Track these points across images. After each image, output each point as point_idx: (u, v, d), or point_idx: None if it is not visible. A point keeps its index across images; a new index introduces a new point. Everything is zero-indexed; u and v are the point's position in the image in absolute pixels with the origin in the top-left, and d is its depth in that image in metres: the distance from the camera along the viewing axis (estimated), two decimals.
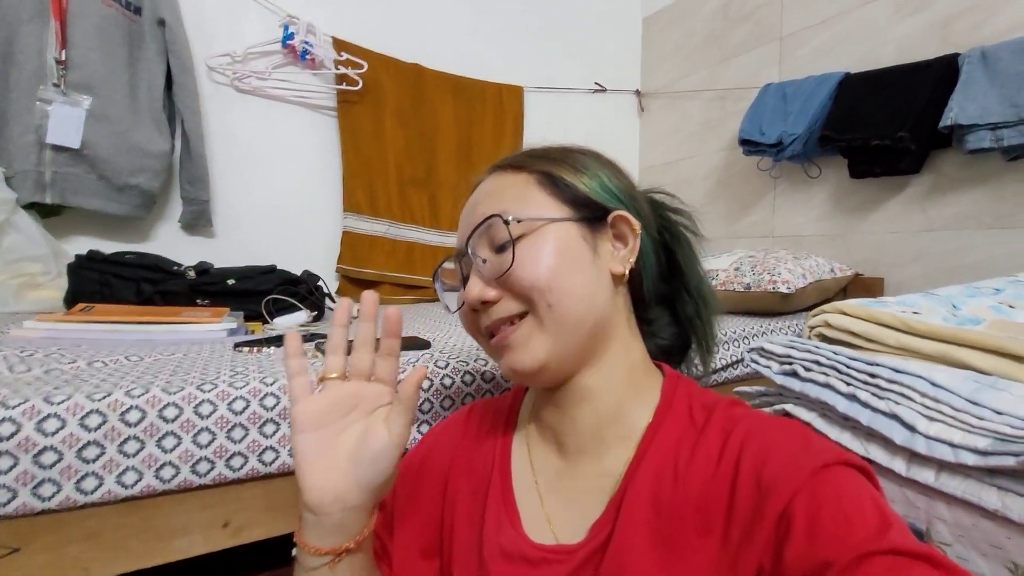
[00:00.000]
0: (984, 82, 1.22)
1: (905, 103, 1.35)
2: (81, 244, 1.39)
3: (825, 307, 0.75)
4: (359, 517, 0.41)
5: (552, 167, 0.47)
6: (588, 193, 0.46)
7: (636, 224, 0.46)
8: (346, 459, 0.40)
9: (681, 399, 0.44)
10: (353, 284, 1.76)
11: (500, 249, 0.44)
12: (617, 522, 0.40)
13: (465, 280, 0.47)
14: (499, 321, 0.44)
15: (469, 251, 0.46)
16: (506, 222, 0.43)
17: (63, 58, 1.28)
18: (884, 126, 1.37)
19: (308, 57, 1.66)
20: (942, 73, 1.32)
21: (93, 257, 1.16)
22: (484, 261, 0.45)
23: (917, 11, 1.46)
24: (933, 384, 0.55)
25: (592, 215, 0.45)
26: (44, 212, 1.33)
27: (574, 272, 0.43)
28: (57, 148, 1.28)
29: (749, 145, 1.69)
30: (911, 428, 0.54)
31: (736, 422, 0.40)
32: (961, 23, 1.38)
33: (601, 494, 0.43)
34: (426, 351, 0.80)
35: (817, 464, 0.33)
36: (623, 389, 0.45)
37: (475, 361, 0.76)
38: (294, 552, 0.42)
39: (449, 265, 0.50)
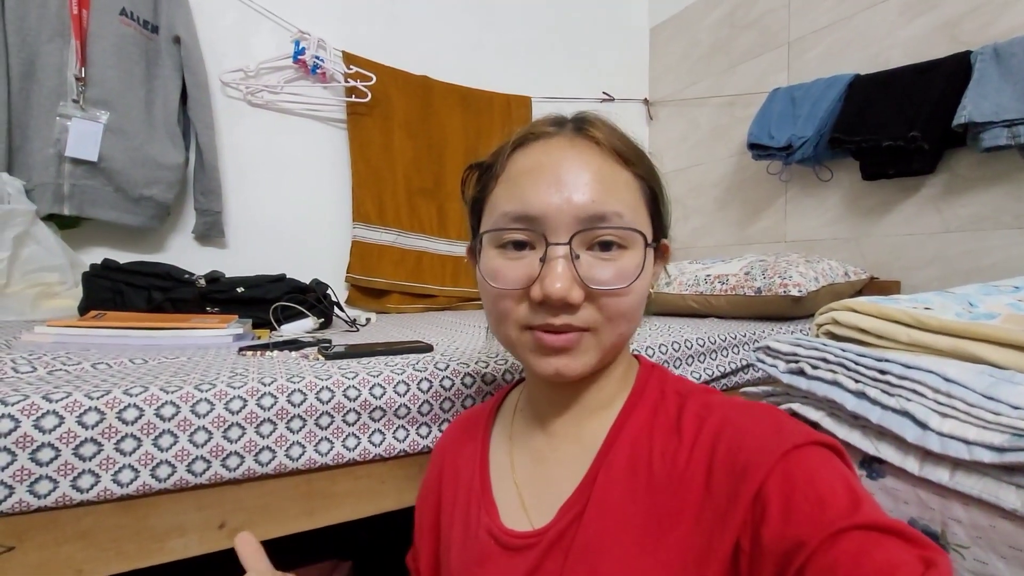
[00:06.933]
0: (998, 79, 1.19)
1: (916, 103, 1.32)
2: (98, 255, 1.42)
3: (833, 304, 0.73)
4: None
5: (655, 182, 0.45)
6: (666, 219, 0.46)
7: (670, 250, 0.47)
8: None
9: (654, 385, 0.46)
10: (363, 293, 1.77)
11: (602, 248, 0.40)
12: (589, 502, 0.40)
13: (543, 261, 0.40)
14: (569, 328, 0.40)
15: (571, 242, 0.39)
16: (644, 238, 0.41)
17: (82, 75, 1.32)
18: (895, 126, 1.34)
19: (319, 71, 1.69)
20: (953, 71, 1.29)
21: (107, 266, 1.18)
22: (578, 257, 0.40)
23: (924, 12, 1.44)
24: (946, 379, 0.53)
25: (658, 242, 0.46)
26: (62, 224, 1.36)
27: (644, 304, 0.44)
28: (75, 161, 1.32)
29: (758, 149, 1.68)
30: (923, 425, 0.52)
31: (711, 409, 0.40)
32: (969, 23, 1.36)
33: (574, 476, 0.44)
34: (428, 354, 0.80)
35: (788, 445, 0.34)
36: (614, 379, 0.47)
37: (476, 363, 0.75)
38: None
39: (515, 233, 0.41)
